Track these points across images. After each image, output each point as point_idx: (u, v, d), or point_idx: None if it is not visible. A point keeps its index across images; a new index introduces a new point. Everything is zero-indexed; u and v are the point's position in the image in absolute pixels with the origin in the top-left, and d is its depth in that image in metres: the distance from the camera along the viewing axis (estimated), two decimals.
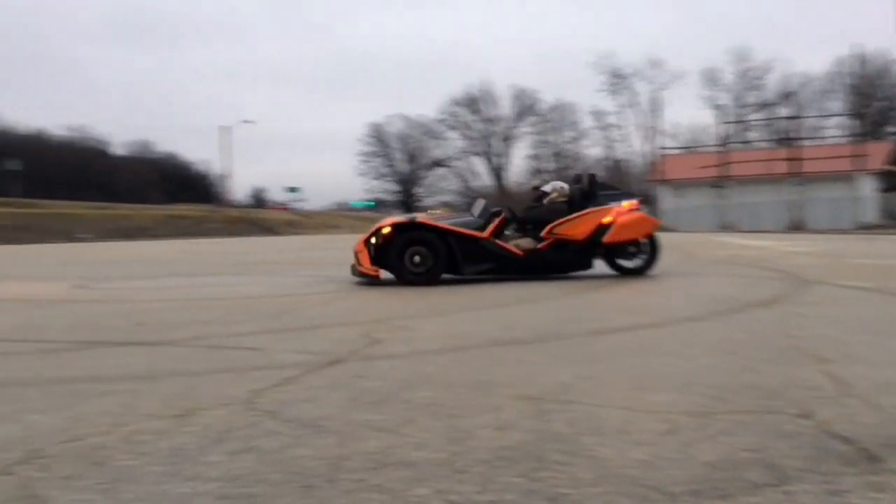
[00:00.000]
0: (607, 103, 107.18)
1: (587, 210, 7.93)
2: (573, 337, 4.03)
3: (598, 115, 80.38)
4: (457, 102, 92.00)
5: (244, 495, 1.71)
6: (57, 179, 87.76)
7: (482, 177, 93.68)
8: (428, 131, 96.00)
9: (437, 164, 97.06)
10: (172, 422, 2.36)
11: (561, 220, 7.88)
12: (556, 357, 3.42)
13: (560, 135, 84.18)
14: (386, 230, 7.57)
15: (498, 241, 7.77)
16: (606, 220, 7.84)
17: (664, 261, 10.48)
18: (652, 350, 3.58)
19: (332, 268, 10.87)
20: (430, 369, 3.16)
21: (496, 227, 7.83)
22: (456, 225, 7.74)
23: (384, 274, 7.46)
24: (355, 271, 7.72)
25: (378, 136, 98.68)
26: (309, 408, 2.52)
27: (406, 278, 7.34)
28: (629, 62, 76.09)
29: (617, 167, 76.41)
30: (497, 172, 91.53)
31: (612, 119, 78.63)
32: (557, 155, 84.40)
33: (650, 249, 8.07)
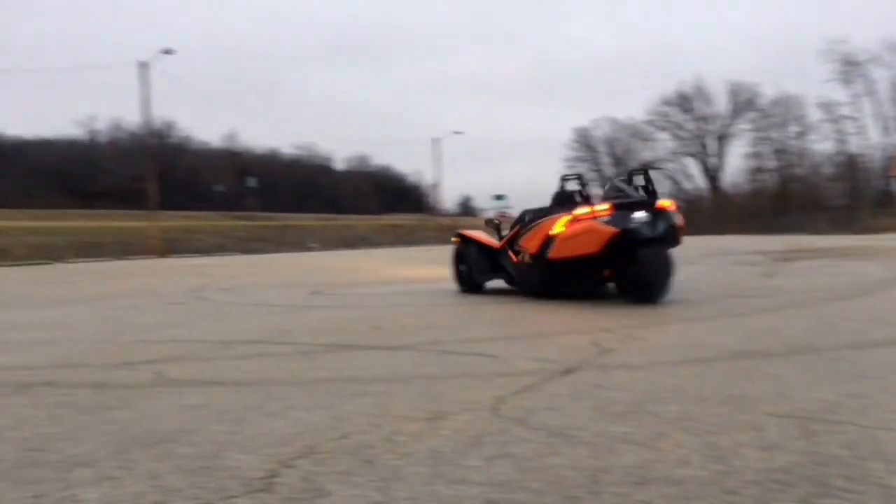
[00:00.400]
0: (838, 94, 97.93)
1: (547, 217, 6.68)
2: (830, 350, 3.67)
3: (827, 106, 73.64)
4: (667, 102, 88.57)
5: (510, 502, 1.73)
6: (287, 194, 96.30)
7: (695, 179, 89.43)
8: (636, 133, 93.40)
9: (646, 166, 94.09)
10: (425, 424, 2.45)
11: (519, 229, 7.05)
12: (814, 372, 3.14)
13: (783, 130, 78.19)
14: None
15: (509, 252, 7.32)
16: (553, 230, 6.40)
17: None
18: None
19: None
20: (673, 381, 3.03)
21: (511, 236, 7.29)
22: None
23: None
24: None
25: (584, 141, 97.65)
26: (555, 416, 2.51)
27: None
28: (863, 47, 68.84)
29: (850, 163, 69.47)
30: (711, 174, 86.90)
31: (844, 111, 71.80)
32: (780, 152, 78.47)
33: (634, 269, 6.06)
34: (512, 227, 7.44)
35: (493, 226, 8.17)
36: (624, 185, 6.72)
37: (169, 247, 32.31)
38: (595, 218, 6.13)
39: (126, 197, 71.01)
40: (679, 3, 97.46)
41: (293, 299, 7.99)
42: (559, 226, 6.36)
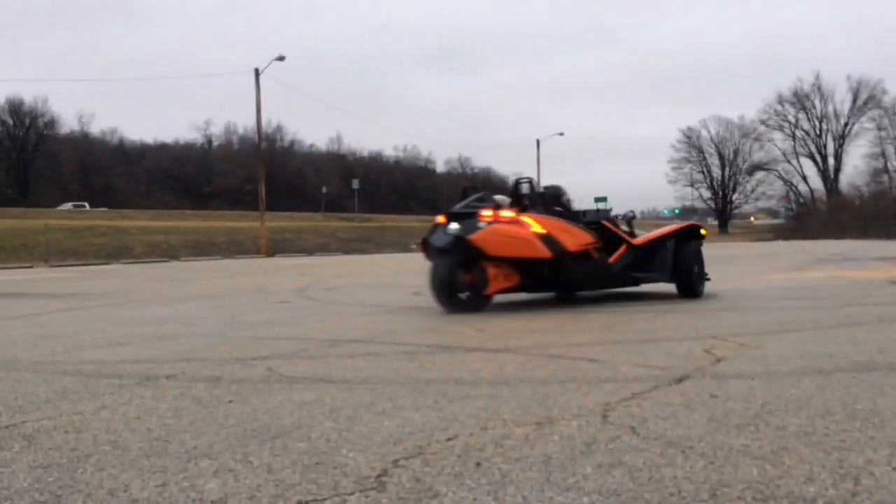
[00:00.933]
0: None
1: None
2: None
3: None
4: (782, 99, 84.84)
5: None
6: (389, 195, 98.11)
7: (811, 180, 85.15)
8: (747, 133, 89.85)
9: (758, 167, 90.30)
10: (534, 429, 2.42)
11: None
12: None
13: None
14: None
15: None
16: None
17: None
18: None
19: None
20: (794, 392, 2.88)
21: None
22: None
23: None
24: None
25: (691, 141, 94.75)
26: (668, 425, 2.43)
27: None
28: None
29: None
30: (829, 175, 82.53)
31: None
32: None
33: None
34: None
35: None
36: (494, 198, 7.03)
37: (276, 246, 33.52)
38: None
39: (238, 198, 74.35)
40: None
41: (395, 300, 8.11)
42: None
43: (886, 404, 2.66)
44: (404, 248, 40.66)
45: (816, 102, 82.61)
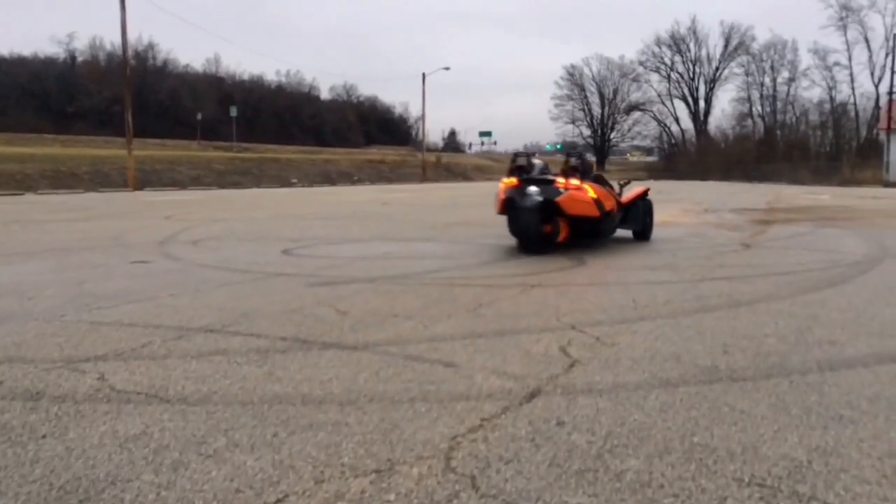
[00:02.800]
0: (832, 40, 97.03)
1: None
2: (802, 373, 3.56)
3: (820, 53, 72.96)
4: (660, 42, 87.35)
5: None
6: (270, 122, 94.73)
7: (683, 122, 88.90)
8: (626, 73, 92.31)
9: (635, 107, 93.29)
10: (372, 481, 2.31)
11: None
12: (784, 409, 3.02)
13: (774, 76, 77.59)
14: None
15: None
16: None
17: (892, 244, 9.23)
18: None
19: None
20: (637, 419, 2.90)
21: None
22: None
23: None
24: None
25: (573, 79, 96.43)
26: (510, 472, 2.38)
27: None
28: None
29: (837, 112, 69.26)
30: (700, 117, 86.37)
31: (836, 58, 71.16)
32: (768, 98, 78.04)
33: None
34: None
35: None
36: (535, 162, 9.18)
37: (146, 178, 31.76)
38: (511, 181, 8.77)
39: (105, 120, 69.56)
40: None
41: (263, 261, 7.79)
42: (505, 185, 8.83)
43: (721, 436, 2.72)
44: (284, 183, 39.50)
45: (691, 46, 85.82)
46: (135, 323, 4.69)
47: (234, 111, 59.69)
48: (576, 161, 9.03)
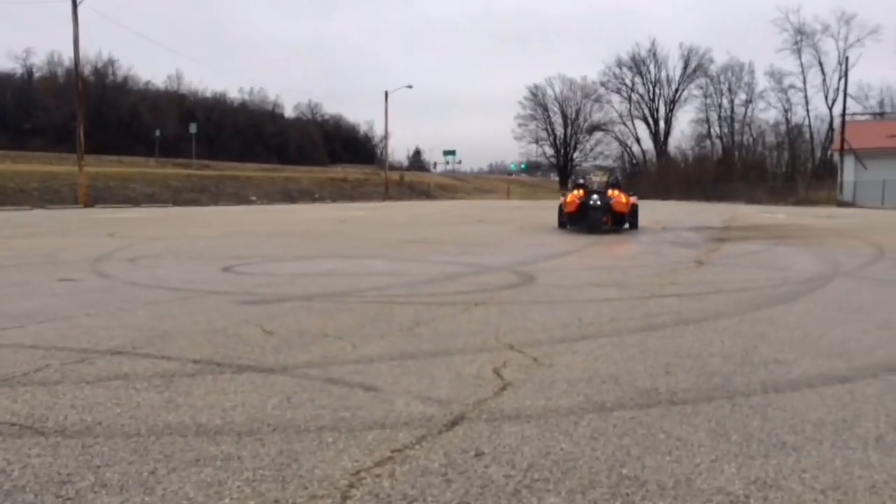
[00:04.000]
0: (788, 63, 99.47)
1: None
2: (745, 395, 3.34)
3: (776, 76, 74.52)
4: (621, 63, 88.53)
5: None
6: (233, 140, 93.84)
7: (644, 142, 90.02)
8: (588, 94, 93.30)
9: (597, 127, 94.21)
10: None
11: None
12: (724, 436, 2.79)
13: (731, 97, 79.08)
14: None
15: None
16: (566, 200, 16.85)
17: (847, 262, 9.17)
18: (848, 430, 2.86)
19: (482, 250, 10.48)
20: (564, 448, 2.64)
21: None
22: None
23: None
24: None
25: (536, 99, 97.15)
26: None
27: None
28: (816, 16, 69.45)
29: (793, 134, 70.76)
30: (660, 138, 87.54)
31: (791, 80, 72.71)
32: (726, 120, 79.45)
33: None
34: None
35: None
36: (592, 179, 17.05)
37: (98, 195, 30.96)
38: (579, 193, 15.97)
39: (62, 137, 68.03)
40: None
41: (200, 279, 7.42)
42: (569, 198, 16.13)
43: (653, 467, 2.47)
44: (243, 201, 38.82)
45: (651, 67, 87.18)
46: (37, 345, 4.31)
47: (193, 128, 58.87)
48: (614, 180, 17.76)
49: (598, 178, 16.87)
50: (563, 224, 16.57)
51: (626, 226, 16.22)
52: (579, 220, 15.59)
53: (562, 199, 17.04)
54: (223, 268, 8.47)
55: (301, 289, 6.76)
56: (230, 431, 2.81)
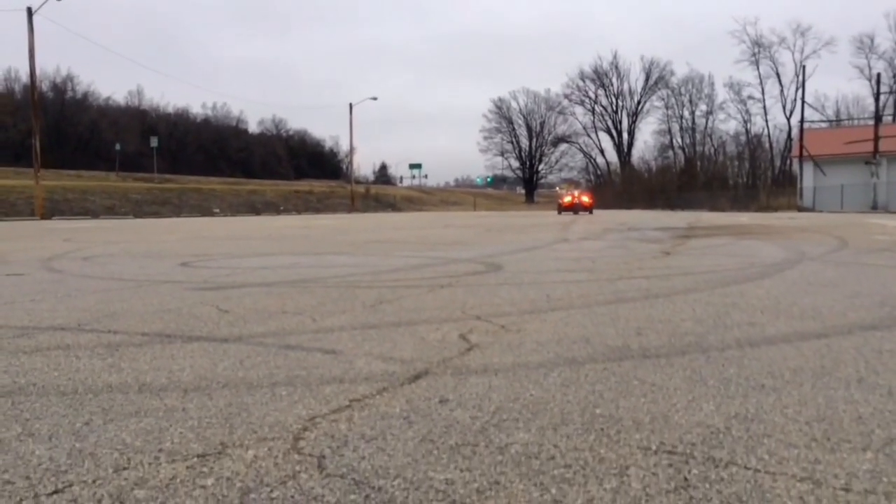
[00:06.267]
0: (746, 74, 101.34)
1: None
2: (720, 349, 3.23)
3: (735, 87, 75.93)
4: (584, 76, 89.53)
5: None
6: (197, 156, 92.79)
7: (608, 153, 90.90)
8: (552, 106, 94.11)
9: (561, 139, 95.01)
10: (190, 467, 1.82)
11: None
12: (700, 381, 2.66)
13: (692, 109, 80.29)
14: None
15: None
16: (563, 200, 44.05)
17: (812, 250, 9.22)
18: (828, 374, 2.75)
19: (449, 247, 10.35)
20: (533, 394, 2.49)
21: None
22: None
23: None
24: None
25: (501, 112, 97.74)
26: (369, 451, 1.92)
27: None
28: (772, 29, 71.10)
29: (753, 143, 72.00)
30: (624, 149, 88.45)
31: (750, 91, 74.14)
32: (688, 130, 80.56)
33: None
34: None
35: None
36: (573, 191, 45.85)
37: (56, 208, 30.22)
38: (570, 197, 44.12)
39: (21, 153, 66.54)
40: None
41: (156, 272, 7.15)
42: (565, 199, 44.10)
43: (629, 407, 2.33)
44: (206, 213, 38.20)
45: (614, 80, 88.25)
46: None
47: (154, 141, 57.99)
48: (586, 188, 53.11)
49: (577, 190, 39.62)
50: (560, 212, 38.97)
51: (591, 212, 37.90)
52: (569, 210, 38.51)
53: (559, 201, 42.79)
54: (181, 263, 8.20)
55: (261, 278, 6.54)
56: (176, 388, 2.61)
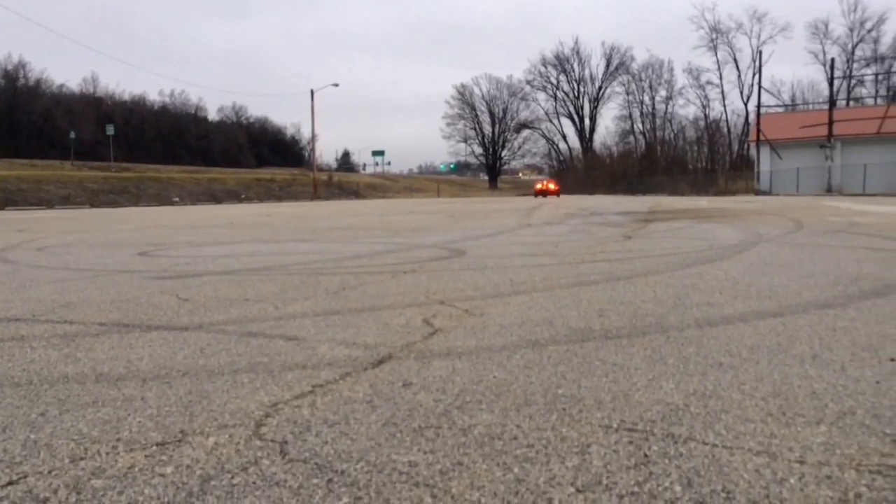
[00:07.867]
0: (705, 60, 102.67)
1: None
2: (679, 329, 3.28)
3: (694, 72, 76.87)
4: (546, 62, 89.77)
5: None
6: (155, 144, 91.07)
7: (570, 139, 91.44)
8: (515, 92, 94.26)
9: (524, 125, 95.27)
10: (149, 455, 1.79)
11: None
12: (660, 360, 2.70)
13: (653, 94, 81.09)
14: None
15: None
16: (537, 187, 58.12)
17: (769, 231, 9.41)
18: (784, 351, 2.81)
19: (412, 234, 10.34)
20: (496, 376, 2.50)
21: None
22: None
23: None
24: None
25: (464, 98, 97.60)
26: (332, 435, 1.91)
27: None
28: (730, 15, 72.05)
29: (711, 128, 73.02)
30: (586, 135, 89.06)
31: (708, 77, 75.09)
32: (648, 116, 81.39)
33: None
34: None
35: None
36: (544, 181, 58.66)
37: (8, 198, 29.44)
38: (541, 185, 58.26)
39: None
40: None
41: (112, 262, 7.02)
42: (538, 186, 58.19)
43: (590, 387, 2.35)
44: (165, 202, 37.56)
45: (575, 66, 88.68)
46: None
47: (110, 129, 56.73)
48: (551, 176, 55.50)
49: (547, 180, 52.13)
50: (535, 196, 51.58)
51: (558, 196, 48.15)
52: (541, 194, 50.73)
53: (535, 188, 57.62)
54: (139, 252, 8.06)
55: (222, 266, 6.46)
56: (134, 378, 2.57)
